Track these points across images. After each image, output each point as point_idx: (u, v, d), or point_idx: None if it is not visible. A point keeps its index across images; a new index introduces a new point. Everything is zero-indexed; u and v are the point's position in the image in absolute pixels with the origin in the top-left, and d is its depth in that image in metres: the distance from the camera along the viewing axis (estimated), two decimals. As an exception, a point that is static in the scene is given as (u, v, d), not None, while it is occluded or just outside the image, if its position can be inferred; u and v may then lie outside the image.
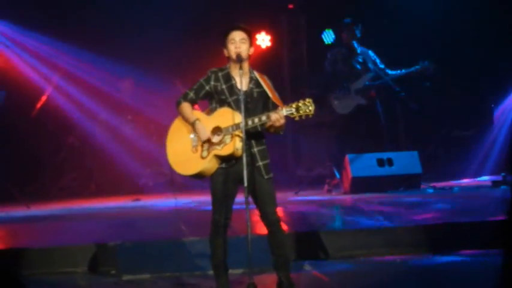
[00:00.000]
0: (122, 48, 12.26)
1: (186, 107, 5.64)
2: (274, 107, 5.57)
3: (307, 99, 5.37)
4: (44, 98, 12.28)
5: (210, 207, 5.64)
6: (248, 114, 5.45)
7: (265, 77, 5.68)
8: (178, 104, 5.68)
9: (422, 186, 10.38)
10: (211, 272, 5.90)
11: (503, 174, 10.28)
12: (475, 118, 12.52)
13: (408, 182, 10.21)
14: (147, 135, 12.49)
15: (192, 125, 5.57)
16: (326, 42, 12.36)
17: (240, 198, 5.52)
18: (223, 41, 5.63)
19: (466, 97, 12.45)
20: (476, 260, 6.73)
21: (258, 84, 5.61)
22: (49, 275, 6.79)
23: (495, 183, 10.34)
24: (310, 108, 5.34)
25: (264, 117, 5.42)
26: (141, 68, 12.40)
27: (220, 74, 5.63)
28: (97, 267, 6.93)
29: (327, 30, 12.36)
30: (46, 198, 11.45)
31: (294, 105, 5.36)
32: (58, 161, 12.47)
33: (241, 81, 5.50)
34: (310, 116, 5.36)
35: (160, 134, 12.50)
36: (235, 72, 5.61)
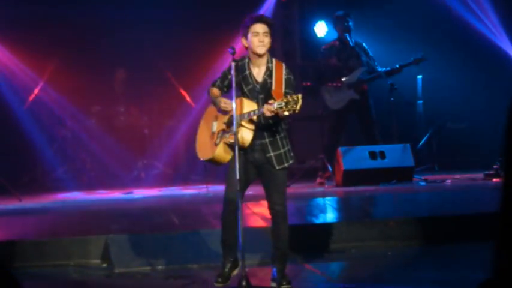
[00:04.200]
0: (114, 38, 12.23)
1: (213, 89, 5.78)
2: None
3: (297, 95, 5.32)
4: (36, 90, 12.24)
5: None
6: (262, 103, 5.50)
7: (283, 67, 5.67)
8: (208, 90, 5.83)
9: (415, 179, 10.39)
10: (204, 265, 5.92)
11: (495, 167, 10.31)
12: (468, 110, 12.53)
13: (400, 174, 10.21)
14: (139, 127, 12.47)
15: (214, 103, 5.74)
16: (319, 35, 12.34)
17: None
18: (244, 32, 5.64)
19: (459, 88, 12.46)
20: (469, 252, 6.74)
21: (270, 75, 5.63)
22: (41, 267, 6.78)
23: (487, 176, 10.36)
24: (297, 105, 5.28)
25: (260, 110, 5.44)
26: (134, 58, 12.37)
27: (240, 64, 5.68)
28: (89, 259, 6.93)
29: (319, 22, 12.34)
30: (38, 190, 11.41)
31: (284, 100, 5.36)
32: (50, 154, 12.42)
33: (254, 75, 5.62)
34: (297, 111, 5.33)
35: (153, 126, 12.51)
36: (252, 63, 5.66)
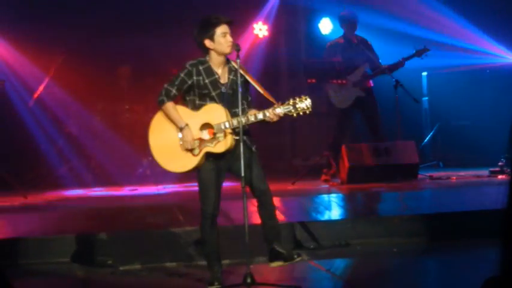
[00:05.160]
0: (119, 35, 12.23)
1: (171, 107, 5.56)
2: (252, 97, 5.61)
3: (303, 96, 5.34)
4: (41, 88, 12.24)
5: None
6: (230, 106, 5.46)
7: (244, 68, 5.62)
8: (161, 102, 5.58)
9: (419, 176, 10.38)
10: (207, 262, 5.91)
11: (500, 164, 10.30)
12: (473, 107, 12.52)
13: (405, 171, 10.20)
14: (144, 124, 12.44)
15: (180, 130, 5.52)
16: (323, 32, 12.32)
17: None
18: (208, 33, 5.54)
19: (464, 85, 12.46)
20: (473, 249, 6.74)
21: (241, 76, 5.55)
22: (46, 264, 6.78)
23: (492, 173, 10.35)
24: (308, 105, 5.33)
25: (260, 115, 5.41)
26: (139, 55, 12.36)
27: (201, 68, 5.56)
28: (94, 257, 6.93)
29: (324, 19, 12.33)
30: (43, 187, 11.42)
31: (291, 103, 5.34)
32: (55, 151, 12.43)
33: (226, 75, 5.55)
34: (308, 112, 5.34)
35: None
36: (216, 65, 5.57)
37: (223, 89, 5.49)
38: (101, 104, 12.48)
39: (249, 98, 5.66)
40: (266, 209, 5.62)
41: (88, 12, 12.18)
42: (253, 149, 5.58)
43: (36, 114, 12.31)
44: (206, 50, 5.59)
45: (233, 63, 5.60)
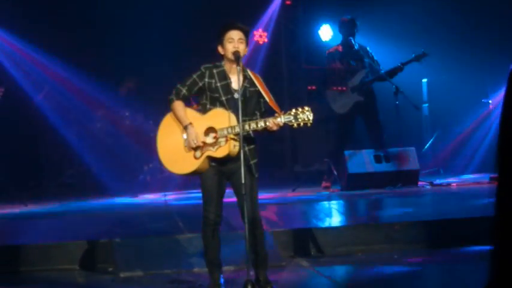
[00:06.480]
0: (121, 41, 12.25)
1: (179, 106, 5.59)
2: (266, 107, 5.58)
3: (306, 107, 5.34)
4: (41, 95, 12.24)
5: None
6: (241, 113, 5.45)
7: (259, 77, 5.66)
8: (170, 101, 5.62)
9: (420, 182, 10.39)
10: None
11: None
12: (473, 114, 12.54)
13: (405, 178, 10.20)
14: (145, 131, 12.46)
15: (185, 128, 5.54)
16: (323, 38, 12.34)
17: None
18: (219, 39, 5.60)
19: (464, 92, 12.46)
20: (474, 256, 6.74)
21: (251, 83, 5.57)
22: (47, 271, 6.79)
23: (493, 180, 10.35)
24: (309, 116, 5.32)
25: (261, 123, 5.39)
26: (140, 62, 12.38)
27: (215, 71, 5.59)
28: (95, 264, 6.94)
29: (324, 26, 12.35)
30: (44, 195, 11.42)
31: (292, 113, 5.34)
32: (56, 158, 12.43)
33: (237, 81, 5.47)
34: (309, 125, 5.33)
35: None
36: (230, 71, 5.59)
37: (235, 95, 5.50)
38: (101, 110, 12.48)
39: (262, 109, 5.64)
40: (255, 235, 5.52)
41: (89, 18, 12.20)
42: (256, 175, 5.56)
43: (37, 121, 12.31)
44: (222, 57, 5.64)
45: (249, 72, 5.62)
